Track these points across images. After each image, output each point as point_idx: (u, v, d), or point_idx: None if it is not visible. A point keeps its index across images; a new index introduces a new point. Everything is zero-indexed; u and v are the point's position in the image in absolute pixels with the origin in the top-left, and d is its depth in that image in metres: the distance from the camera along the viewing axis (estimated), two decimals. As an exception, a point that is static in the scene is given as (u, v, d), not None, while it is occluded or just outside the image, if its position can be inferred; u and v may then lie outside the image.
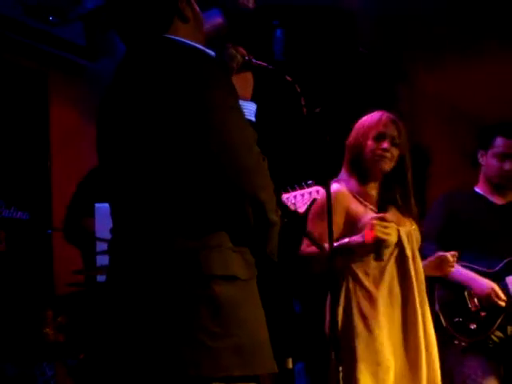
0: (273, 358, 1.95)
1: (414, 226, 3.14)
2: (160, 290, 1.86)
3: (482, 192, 3.90)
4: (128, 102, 1.98)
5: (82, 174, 3.89)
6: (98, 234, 3.24)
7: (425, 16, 4.92)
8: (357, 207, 3.07)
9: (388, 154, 3.09)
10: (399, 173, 3.17)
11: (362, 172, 3.14)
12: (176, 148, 1.88)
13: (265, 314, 1.99)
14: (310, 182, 2.93)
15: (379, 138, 3.11)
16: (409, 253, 3.05)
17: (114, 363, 1.91)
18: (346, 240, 2.96)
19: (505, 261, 3.66)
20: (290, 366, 2.69)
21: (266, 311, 1.99)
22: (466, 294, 3.65)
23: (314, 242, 2.91)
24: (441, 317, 3.66)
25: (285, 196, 2.69)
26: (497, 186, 3.85)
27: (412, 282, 3.02)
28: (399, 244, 3.04)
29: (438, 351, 3.11)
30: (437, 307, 3.68)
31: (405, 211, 3.15)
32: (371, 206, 3.10)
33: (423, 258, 3.24)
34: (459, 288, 3.66)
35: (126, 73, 2.04)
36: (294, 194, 2.77)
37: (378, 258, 2.97)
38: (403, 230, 3.06)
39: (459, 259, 3.67)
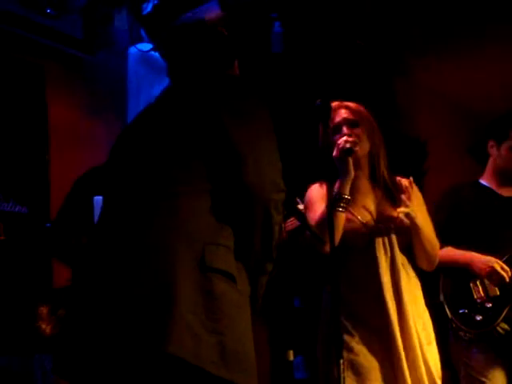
0: (255, 375, 1.91)
1: (403, 209, 3.00)
2: (158, 269, 1.84)
3: (487, 184, 3.87)
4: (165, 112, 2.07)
5: (80, 168, 3.88)
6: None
7: (424, 9, 4.92)
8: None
9: (352, 138, 2.99)
10: (372, 160, 3.10)
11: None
12: (200, 148, 1.95)
13: (265, 308, 1.99)
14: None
15: (336, 129, 3.04)
16: (379, 246, 2.99)
17: (94, 336, 1.87)
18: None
19: (510, 253, 3.65)
20: (291, 358, 2.69)
21: (267, 305, 1.99)
22: (471, 284, 3.63)
23: (314, 233, 2.91)
24: (445, 308, 3.65)
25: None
26: (506, 179, 3.81)
27: (381, 283, 2.94)
28: (371, 247, 2.99)
29: (443, 343, 3.10)
30: (441, 298, 3.67)
31: (389, 196, 3.07)
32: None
33: None
34: (464, 278, 3.64)
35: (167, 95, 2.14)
36: None
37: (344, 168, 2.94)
38: (376, 226, 3.01)
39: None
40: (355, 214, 3.03)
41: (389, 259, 2.99)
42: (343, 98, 3.17)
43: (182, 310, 1.80)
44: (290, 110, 4.55)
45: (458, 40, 5.44)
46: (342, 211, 2.93)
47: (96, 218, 3.26)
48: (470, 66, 5.82)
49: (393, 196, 3.07)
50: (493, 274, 3.56)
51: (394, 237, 3.02)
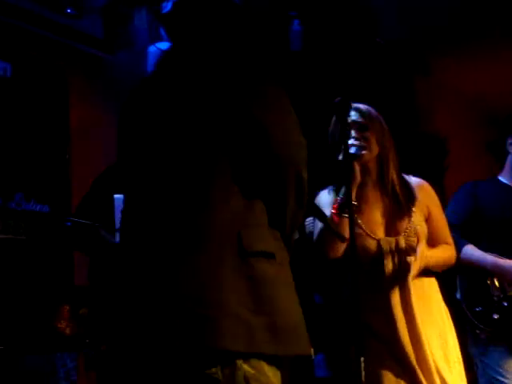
0: (308, 341, 1.93)
1: (412, 220, 2.98)
2: (198, 263, 1.85)
3: (506, 181, 3.86)
4: (169, 92, 2.01)
5: (100, 167, 3.89)
6: (118, 226, 3.24)
7: (446, 8, 4.90)
8: None
9: (360, 142, 2.95)
10: (381, 164, 3.03)
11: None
12: (221, 126, 1.92)
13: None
14: None
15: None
16: (388, 263, 2.93)
17: (141, 339, 1.88)
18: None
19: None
20: (312, 355, 2.69)
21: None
22: (488, 282, 3.63)
23: (334, 232, 2.90)
24: (463, 305, 3.64)
25: None
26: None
27: (389, 294, 2.90)
28: (379, 256, 2.93)
29: (460, 340, 3.08)
30: (458, 295, 3.67)
31: (398, 205, 3.00)
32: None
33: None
34: (482, 276, 3.64)
35: (168, 67, 2.08)
36: None
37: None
38: (385, 240, 2.96)
39: (483, 248, 3.66)
40: (364, 228, 2.97)
41: (399, 275, 2.93)
42: (362, 96, 3.14)
43: (227, 302, 1.81)
44: (308, 109, 4.55)
45: (478, 39, 5.42)
46: (348, 217, 2.82)
47: (117, 216, 3.28)
48: (488, 66, 5.81)
49: (402, 202, 3.00)
50: None
51: (404, 248, 2.95)
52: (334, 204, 2.93)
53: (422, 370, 2.83)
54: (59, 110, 4.63)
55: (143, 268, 1.92)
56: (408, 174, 3.17)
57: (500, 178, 3.89)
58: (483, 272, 3.63)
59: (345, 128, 2.84)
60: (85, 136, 4.69)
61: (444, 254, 3.09)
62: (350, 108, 2.88)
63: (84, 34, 4.58)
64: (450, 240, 3.14)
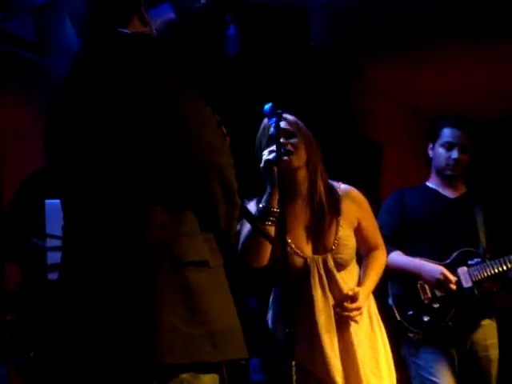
0: (244, 345, 1.95)
1: (340, 235, 2.99)
2: (130, 280, 1.85)
3: (433, 186, 3.94)
4: (87, 96, 1.98)
5: (30, 170, 3.85)
6: (49, 231, 3.21)
7: (378, 13, 4.96)
8: None
9: (287, 147, 2.93)
10: (310, 176, 3.03)
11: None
12: (139, 133, 1.89)
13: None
14: None
15: (270, 141, 2.93)
16: (315, 283, 2.94)
17: (78, 355, 1.87)
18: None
19: (456, 252, 3.71)
20: (243, 361, 2.70)
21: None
22: (418, 286, 3.70)
23: (265, 234, 2.89)
24: (394, 310, 3.70)
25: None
26: (447, 178, 3.89)
27: (314, 311, 2.91)
28: (307, 273, 2.95)
29: (393, 342, 3.13)
30: (390, 301, 3.72)
31: (324, 218, 2.99)
32: None
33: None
34: (411, 281, 3.71)
35: (83, 66, 2.04)
36: None
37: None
38: (312, 258, 2.96)
39: (411, 253, 3.73)
40: (292, 246, 2.97)
41: (327, 293, 2.94)
42: (297, 100, 3.15)
43: (163, 316, 1.81)
44: (240, 115, 4.57)
45: (412, 44, 5.50)
46: (270, 225, 2.85)
47: (48, 221, 3.24)
48: (425, 71, 5.91)
49: (327, 215, 2.99)
50: (439, 285, 3.63)
51: (332, 266, 2.97)
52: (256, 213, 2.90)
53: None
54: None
55: (82, 282, 1.91)
56: (343, 178, 3.18)
57: (427, 183, 3.97)
58: (412, 276, 3.70)
59: (274, 135, 2.83)
60: (16, 138, 4.61)
61: (379, 269, 3.13)
62: (280, 114, 2.87)
63: (16, 37, 4.51)
64: (381, 242, 3.18)
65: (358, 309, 2.94)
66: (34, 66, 4.71)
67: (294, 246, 2.98)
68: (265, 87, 4.67)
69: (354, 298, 2.94)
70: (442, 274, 3.63)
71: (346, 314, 2.92)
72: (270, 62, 4.92)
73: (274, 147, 2.84)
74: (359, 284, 3.04)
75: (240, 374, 4.33)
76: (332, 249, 2.98)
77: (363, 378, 2.90)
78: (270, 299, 3.14)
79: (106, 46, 2.01)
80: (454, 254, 3.72)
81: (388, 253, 3.46)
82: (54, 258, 3.20)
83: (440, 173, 3.90)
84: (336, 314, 2.92)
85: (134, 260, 1.86)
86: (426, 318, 3.64)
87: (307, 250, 2.99)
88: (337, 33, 5.13)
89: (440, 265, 3.70)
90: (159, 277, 1.85)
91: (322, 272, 2.95)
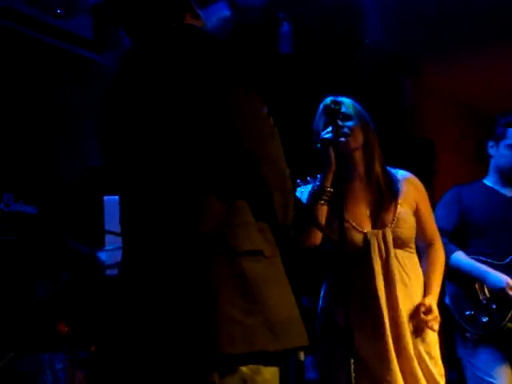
0: (304, 332, 1.93)
1: (399, 211, 3.00)
2: (188, 271, 1.85)
3: (491, 184, 3.89)
4: (143, 91, 1.98)
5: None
6: (107, 227, 3.25)
7: (433, 11, 4.93)
8: None
9: (343, 129, 2.94)
10: (367, 158, 3.04)
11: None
12: (193, 126, 1.90)
13: None
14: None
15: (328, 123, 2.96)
16: (375, 257, 2.93)
17: (138, 347, 1.89)
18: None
19: (516, 253, 3.66)
20: (302, 358, 2.69)
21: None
22: (476, 286, 3.65)
23: (323, 230, 2.90)
24: (451, 309, 3.67)
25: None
26: (507, 178, 3.84)
27: (376, 287, 2.90)
28: (366, 249, 2.94)
29: (450, 343, 3.10)
30: (447, 300, 3.68)
31: (383, 199, 3.01)
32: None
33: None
34: (469, 280, 3.66)
35: (137, 63, 2.05)
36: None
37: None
38: (371, 233, 2.97)
39: (469, 252, 3.68)
40: (351, 221, 2.98)
41: (386, 268, 2.94)
42: (350, 97, 3.15)
43: (221, 306, 1.81)
44: (296, 110, 4.56)
45: (468, 43, 5.45)
46: (323, 204, 2.89)
47: (106, 217, 3.28)
48: (479, 69, 5.84)
49: (386, 196, 3.01)
50: (503, 295, 3.58)
51: (390, 240, 2.96)
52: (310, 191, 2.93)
53: (401, 363, 2.85)
54: (48, 110, 4.62)
55: (141, 275, 1.93)
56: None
57: (485, 181, 3.93)
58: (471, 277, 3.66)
59: (331, 118, 2.88)
60: (74, 137, 4.67)
61: (441, 270, 3.11)
62: (339, 106, 2.91)
63: (74, 35, 4.57)
64: (438, 237, 3.16)
65: (435, 318, 2.94)
66: (91, 64, 4.77)
67: (353, 223, 2.98)
68: (318, 84, 4.66)
69: (428, 311, 2.93)
70: (508, 283, 3.58)
71: (423, 324, 2.91)
72: (323, 60, 4.91)
73: (330, 128, 2.88)
74: (425, 291, 3.02)
75: (295, 372, 4.33)
76: (391, 223, 2.98)
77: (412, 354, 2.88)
78: (322, 290, 3.12)
79: (161, 41, 2.01)
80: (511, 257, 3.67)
81: (448, 250, 3.43)
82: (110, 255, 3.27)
83: (502, 173, 3.84)
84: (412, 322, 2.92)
85: (191, 252, 1.87)
86: (484, 319, 3.59)
87: (366, 225, 2.99)
88: (392, 31, 5.09)
89: (499, 264, 3.64)
90: (215, 267, 1.85)
91: (382, 246, 2.95)
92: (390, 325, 2.87)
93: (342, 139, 2.92)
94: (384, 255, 2.94)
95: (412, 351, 2.87)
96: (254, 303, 1.85)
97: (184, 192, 1.91)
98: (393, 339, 2.86)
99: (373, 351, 2.87)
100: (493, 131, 3.89)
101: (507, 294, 3.56)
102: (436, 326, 2.94)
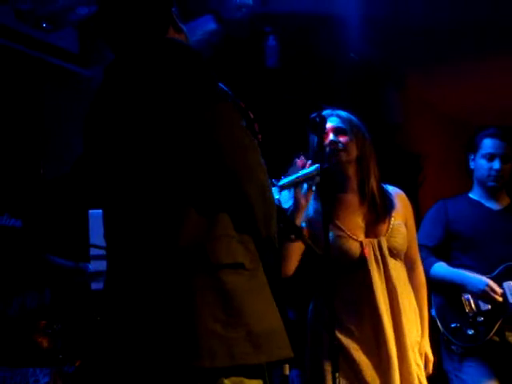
0: (288, 344, 1.93)
1: (393, 223, 3.00)
2: (168, 285, 1.85)
3: (477, 198, 3.90)
4: (124, 103, 1.99)
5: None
6: (92, 241, 3.25)
7: (422, 26, 4.96)
8: None
9: (336, 145, 2.95)
10: (361, 173, 3.03)
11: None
12: (173, 140, 1.90)
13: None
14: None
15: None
16: (372, 265, 2.92)
17: (121, 361, 1.89)
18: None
19: (502, 266, 3.66)
20: (287, 372, 2.69)
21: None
22: (463, 298, 3.65)
23: (306, 241, 2.89)
24: (437, 322, 3.67)
25: None
26: (490, 190, 3.85)
27: (375, 294, 2.89)
28: (362, 258, 2.93)
29: (436, 356, 3.11)
30: (433, 312, 3.68)
31: (376, 213, 3.00)
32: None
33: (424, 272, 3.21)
34: (455, 292, 3.66)
35: (120, 76, 2.05)
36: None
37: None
38: (367, 241, 2.96)
39: (455, 266, 3.69)
40: (346, 231, 2.97)
41: (383, 276, 2.93)
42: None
43: (203, 320, 1.81)
44: (282, 124, 4.57)
45: (454, 56, 5.48)
46: (292, 242, 2.86)
47: (92, 231, 3.28)
48: (465, 82, 5.87)
49: (380, 212, 3.01)
50: (484, 296, 3.58)
51: (386, 250, 2.96)
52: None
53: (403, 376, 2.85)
54: (34, 123, 4.61)
55: (123, 289, 1.94)
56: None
57: (470, 194, 3.94)
58: (457, 288, 3.66)
59: (320, 140, 2.83)
60: (59, 151, 4.67)
61: (425, 294, 3.15)
62: (325, 122, 2.89)
63: (59, 48, 4.57)
64: (418, 256, 3.19)
65: (430, 361, 3.05)
66: (76, 78, 4.77)
67: (348, 232, 2.97)
68: (304, 98, 4.67)
69: (425, 358, 3.01)
70: (488, 285, 3.58)
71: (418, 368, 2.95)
72: (309, 73, 4.93)
73: (291, 196, 2.83)
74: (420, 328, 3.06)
75: (280, 386, 4.32)
76: (386, 233, 2.99)
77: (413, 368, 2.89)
78: (310, 306, 3.11)
79: (142, 54, 2.02)
80: (500, 268, 3.67)
81: (428, 263, 3.45)
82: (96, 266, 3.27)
83: (482, 184, 3.86)
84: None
85: (170, 266, 1.86)
86: (470, 332, 3.59)
87: (361, 235, 2.99)
88: (378, 44, 5.11)
89: (486, 277, 3.65)
90: (195, 281, 1.85)
91: (378, 254, 2.94)
92: (394, 331, 2.88)
93: (341, 154, 2.95)
94: (381, 263, 2.94)
95: (412, 361, 2.89)
96: (235, 316, 1.84)
97: (164, 206, 1.91)
98: (396, 347, 2.86)
99: (375, 361, 2.87)
100: (471, 144, 3.91)
101: (488, 294, 3.57)
102: (430, 369, 3.03)
